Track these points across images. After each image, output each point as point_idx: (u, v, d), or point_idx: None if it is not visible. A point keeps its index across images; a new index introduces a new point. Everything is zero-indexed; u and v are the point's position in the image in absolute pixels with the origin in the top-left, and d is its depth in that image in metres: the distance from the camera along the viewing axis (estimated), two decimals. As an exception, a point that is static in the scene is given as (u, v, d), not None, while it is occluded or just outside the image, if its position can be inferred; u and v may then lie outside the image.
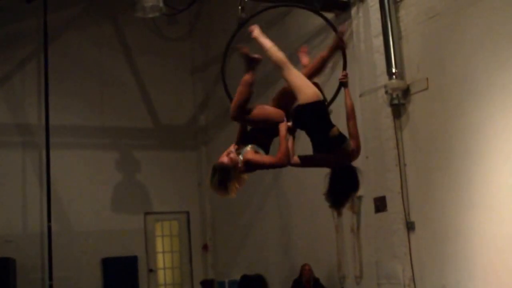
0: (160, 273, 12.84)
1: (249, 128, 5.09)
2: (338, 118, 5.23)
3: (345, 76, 5.19)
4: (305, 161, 5.01)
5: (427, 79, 7.86)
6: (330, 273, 9.53)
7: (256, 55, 4.87)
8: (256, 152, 4.86)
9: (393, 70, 8.11)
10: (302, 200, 10.18)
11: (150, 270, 12.52)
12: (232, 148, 4.89)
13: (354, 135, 4.94)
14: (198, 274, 12.93)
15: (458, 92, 7.45)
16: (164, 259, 12.95)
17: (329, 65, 9.55)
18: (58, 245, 11.16)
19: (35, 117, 11.65)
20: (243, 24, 5.55)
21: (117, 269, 11.89)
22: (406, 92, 8.09)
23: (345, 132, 4.95)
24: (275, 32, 10.47)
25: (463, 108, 7.37)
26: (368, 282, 8.80)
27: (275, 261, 11.03)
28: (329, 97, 5.61)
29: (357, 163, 9.24)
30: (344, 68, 5.84)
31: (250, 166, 4.83)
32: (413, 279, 7.90)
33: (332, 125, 4.83)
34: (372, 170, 8.58)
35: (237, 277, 11.61)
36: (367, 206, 8.72)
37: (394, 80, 8.10)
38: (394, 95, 8.10)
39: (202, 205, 13.01)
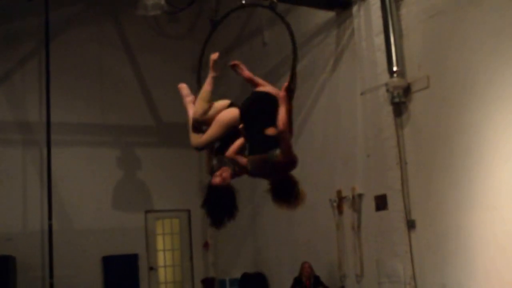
0: (161, 271, 12.84)
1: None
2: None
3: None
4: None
5: (428, 77, 7.87)
6: (330, 272, 9.52)
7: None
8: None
9: (394, 69, 8.12)
10: (302, 198, 10.14)
11: (151, 268, 12.52)
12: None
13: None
14: (198, 272, 12.94)
15: (459, 90, 7.45)
16: (165, 257, 12.95)
17: (330, 64, 9.68)
18: (59, 243, 11.16)
19: (36, 115, 11.65)
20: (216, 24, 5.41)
21: (118, 267, 11.89)
22: (407, 90, 8.10)
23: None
24: (275, 31, 10.48)
25: (464, 106, 7.37)
26: (368, 281, 8.79)
27: (275, 259, 11.02)
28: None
29: (357, 161, 9.29)
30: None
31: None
32: (414, 277, 7.89)
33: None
34: (373, 169, 8.59)
35: (238, 275, 11.63)
36: (368, 204, 8.73)
37: (395, 78, 8.11)
38: (395, 94, 8.10)
39: (203, 203, 12.97)
